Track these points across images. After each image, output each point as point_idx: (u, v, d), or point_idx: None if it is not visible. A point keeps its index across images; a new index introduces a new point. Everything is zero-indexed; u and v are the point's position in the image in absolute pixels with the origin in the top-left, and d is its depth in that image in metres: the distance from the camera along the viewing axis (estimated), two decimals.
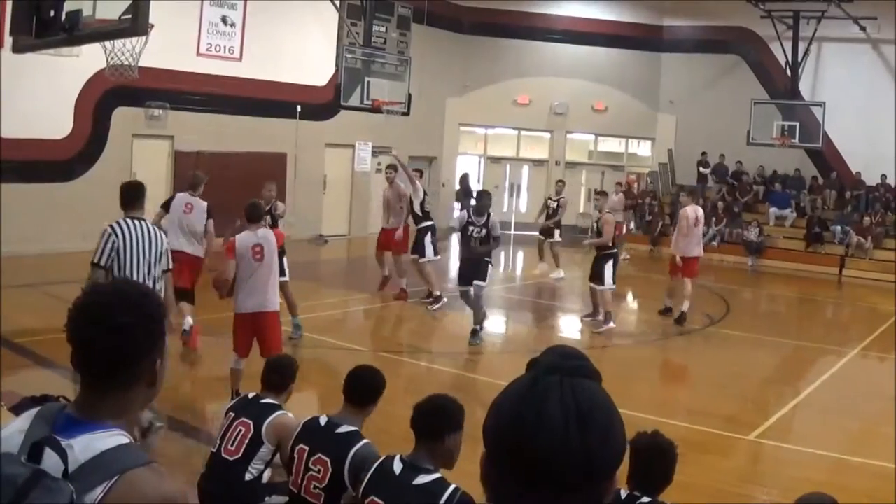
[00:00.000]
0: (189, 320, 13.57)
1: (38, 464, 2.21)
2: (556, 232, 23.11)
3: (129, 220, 8.95)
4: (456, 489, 4.86)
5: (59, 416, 2.39)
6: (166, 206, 14.25)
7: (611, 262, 16.76)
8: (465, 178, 30.23)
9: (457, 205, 25.80)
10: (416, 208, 18.12)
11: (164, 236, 9.23)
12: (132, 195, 9.30)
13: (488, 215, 14.82)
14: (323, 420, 5.86)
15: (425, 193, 18.49)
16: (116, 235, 8.78)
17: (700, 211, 18.66)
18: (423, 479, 4.94)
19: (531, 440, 1.65)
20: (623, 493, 5.08)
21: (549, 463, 1.65)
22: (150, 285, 8.53)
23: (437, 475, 4.97)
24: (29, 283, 16.10)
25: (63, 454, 2.25)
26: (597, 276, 16.90)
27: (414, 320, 17.80)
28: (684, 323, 17.58)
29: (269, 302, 10.31)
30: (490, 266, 15.18)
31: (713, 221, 30.04)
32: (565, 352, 1.79)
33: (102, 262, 8.69)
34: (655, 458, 5.19)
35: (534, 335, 17.14)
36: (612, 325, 16.76)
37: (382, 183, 20.22)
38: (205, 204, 14.37)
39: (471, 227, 14.68)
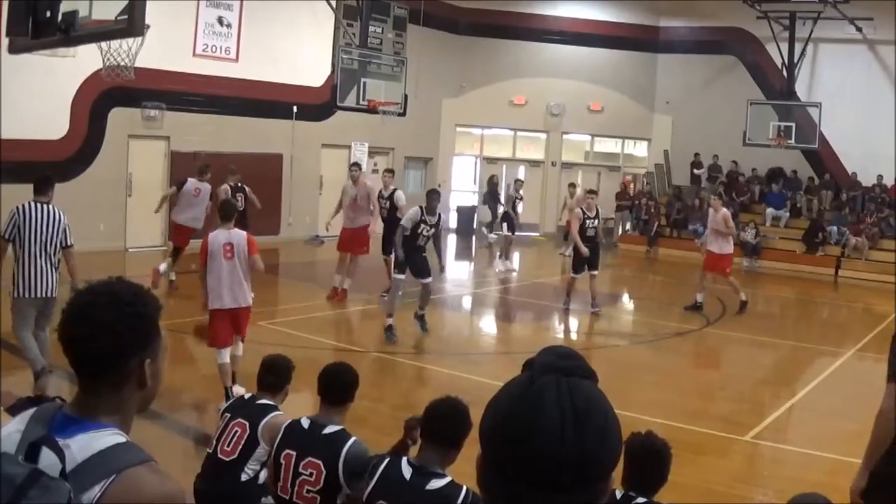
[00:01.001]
0: (162, 266, 16.93)
1: (35, 463, 2.21)
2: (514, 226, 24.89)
3: (32, 203, 10.59)
4: (468, 490, 4.82)
5: (56, 415, 2.39)
6: (179, 186, 17.76)
7: None
8: (492, 181, 30.41)
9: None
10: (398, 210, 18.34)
11: (63, 217, 10.94)
12: (40, 184, 10.98)
13: (439, 215, 15.45)
14: (306, 423, 5.81)
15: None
16: (19, 215, 10.42)
17: None
18: (435, 483, 4.88)
19: (528, 441, 1.65)
20: (618, 494, 5.08)
21: (546, 463, 1.65)
22: (46, 258, 10.46)
23: (448, 479, 4.92)
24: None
25: (60, 453, 2.25)
26: (597, 265, 18.69)
27: (409, 321, 17.80)
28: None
29: (243, 297, 10.90)
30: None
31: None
32: (561, 352, 1.79)
33: (7, 236, 10.37)
34: (650, 459, 5.18)
35: (530, 335, 17.16)
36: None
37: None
38: (209, 188, 17.64)
39: (422, 226, 14.98)
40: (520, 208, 24.95)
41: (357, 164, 19.34)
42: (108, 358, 2.41)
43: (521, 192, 25.25)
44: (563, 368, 1.73)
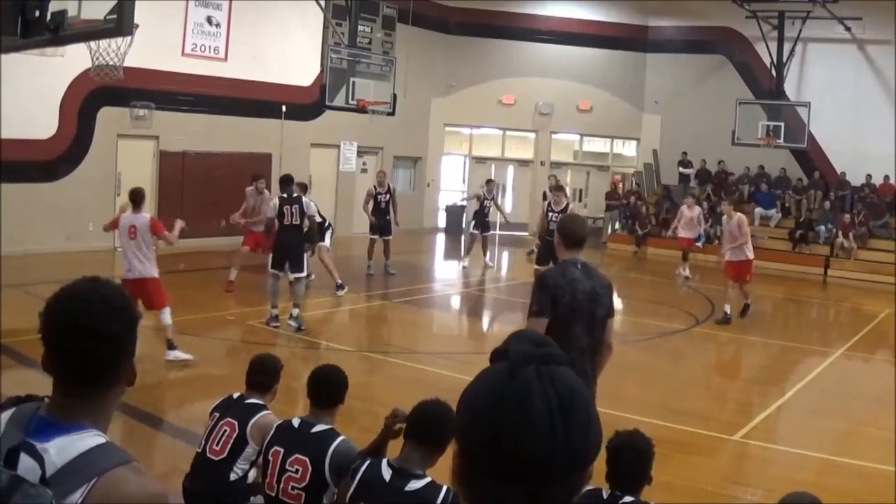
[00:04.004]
0: None
1: (14, 469, 2.18)
2: (489, 225, 25.20)
3: None
4: (449, 490, 4.80)
5: (33, 418, 2.35)
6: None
7: None
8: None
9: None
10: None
11: None
12: None
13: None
14: (296, 422, 5.82)
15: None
16: None
17: None
18: (414, 484, 4.86)
19: (517, 436, 1.61)
20: (605, 493, 5.07)
21: (534, 457, 1.61)
22: None
23: (428, 479, 4.90)
24: (12, 283, 16.05)
25: (40, 459, 2.23)
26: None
27: (400, 320, 17.81)
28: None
29: (145, 270, 12.51)
30: None
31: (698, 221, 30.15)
32: (534, 338, 1.76)
33: None
34: (632, 457, 5.18)
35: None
36: None
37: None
38: None
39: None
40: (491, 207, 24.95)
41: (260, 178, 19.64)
42: (107, 365, 2.39)
43: (492, 192, 25.28)
44: (541, 356, 1.70)
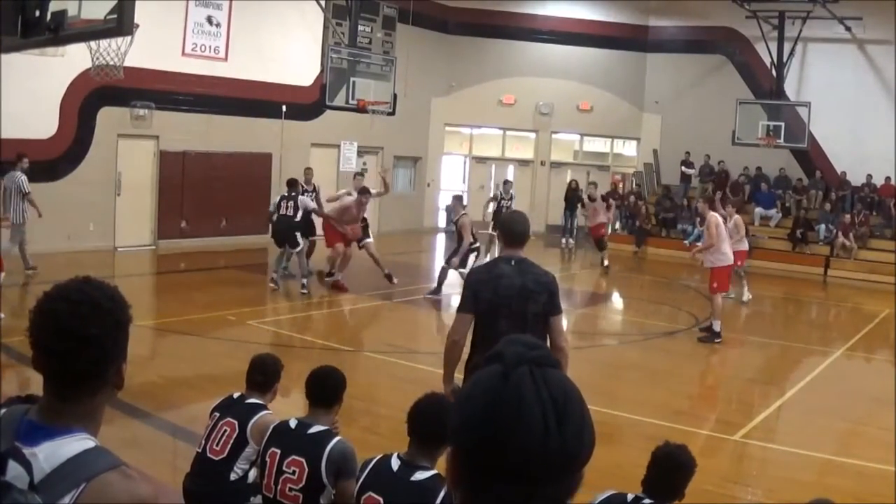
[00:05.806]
0: None
1: (2, 476, 2.14)
2: None
3: None
4: None
5: (21, 422, 2.33)
6: None
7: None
8: (571, 187, 30.72)
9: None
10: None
11: None
12: None
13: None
14: (293, 423, 5.81)
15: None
16: None
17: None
18: (420, 475, 4.92)
19: (512, 437, 1.63)
20: (630, 497, 5.14)
21: (529, 457, 1.63)
22: None
23: (434, 472, 4.96)
24: (13, 283, 16.05)
25: (27, 465, 2.20)
26: None
27: (400, 320, 17.80)
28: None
29: None
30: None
31: (698, 222, 30.09)
32: (526, 341, 1.78)
33: None
34: (676, 470, 5.28)
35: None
36: None
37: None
38: None
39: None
40: (513, 206, 25.05)
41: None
42: (92, 370, 2.36)
43: (511, 192, 25.93)
44: (534, 359, 1.72)
